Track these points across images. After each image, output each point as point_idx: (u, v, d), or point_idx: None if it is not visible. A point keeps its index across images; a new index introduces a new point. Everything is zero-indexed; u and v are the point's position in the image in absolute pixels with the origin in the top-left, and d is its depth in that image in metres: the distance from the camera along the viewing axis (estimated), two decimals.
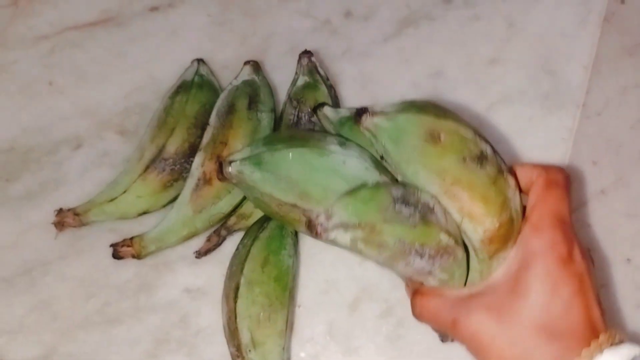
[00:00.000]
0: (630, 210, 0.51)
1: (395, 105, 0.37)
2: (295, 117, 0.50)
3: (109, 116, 0.56)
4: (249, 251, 0.48)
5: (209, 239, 0.51)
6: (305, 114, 0.51)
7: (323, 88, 0.51)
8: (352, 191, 0.36)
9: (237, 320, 0.46)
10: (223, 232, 0.51)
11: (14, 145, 0.55)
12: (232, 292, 0.47)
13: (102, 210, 0.50)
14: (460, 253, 0.38)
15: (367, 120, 0.36)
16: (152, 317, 0.50)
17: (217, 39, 0.58)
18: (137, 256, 0.49)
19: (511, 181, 0.38)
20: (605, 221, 0.51)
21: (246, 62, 0.53)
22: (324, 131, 0.42)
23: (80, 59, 0.58)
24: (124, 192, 0.50)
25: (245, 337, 0.46)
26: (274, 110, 0.52)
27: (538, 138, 0.54)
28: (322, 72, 0.52)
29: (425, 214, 0.36)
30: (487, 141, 0.38)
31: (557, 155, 0.53)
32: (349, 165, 0.38)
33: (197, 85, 0.52)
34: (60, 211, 0.51)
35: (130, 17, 0.59)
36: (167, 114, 0.51)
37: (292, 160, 0.38)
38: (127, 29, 0.59)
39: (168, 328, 0.50)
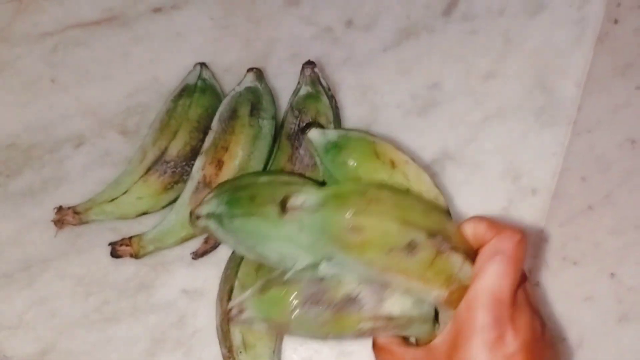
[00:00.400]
0: (616, 226, 0.53)
1: (319, 194, 0.37)
2: (296, 127, 0.52)
3: (110, 116, 0.56)
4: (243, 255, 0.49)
5: (206, 241, 0.52)
6: (305, 124, 0.52)
7: (325, 99, 0.52)
8: (263, 288, 0.38)
9: (230, 322, 0.47)
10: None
11: (15, 142, 0.55)
12: (225, 295, 0.48)
13: (102, 210, 0.51)
14: (406, 320, 0.39)
15: (291, 215, 0.37)
16: (150, 317, 0.51)
17: (219, 42, 0.59)
18: (135, 256, 0.50)
19: (455, 258, 0.37)
20: (592, 236, 0.53)
21: (249, 69, 0.54)
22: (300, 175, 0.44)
23: (84, 57, 0.58)
24: (125, 192, 0.51)
25: (236, 339, 0.47)
26: (275, 117, 0.53)
27: (530, 152, 0.55)
28: (324, 83, 0.53)
29: (342, 307, 0.38)
30: (438, 210, 0.39)
31: (547, 170, 0.55)
32: (305, 232, 0.38)
33: (200, 89, 0.53)
34: (60, 209, 0.51)
35: (134, 17, 0.59)
36: (169, 117, 0.52)
37: (247, 230, 0.40)
38: (131, 29, 0.59)
39: (165, 328, 0.51)
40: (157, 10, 0.60)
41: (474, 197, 0.54)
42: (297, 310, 0.38)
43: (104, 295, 0.51)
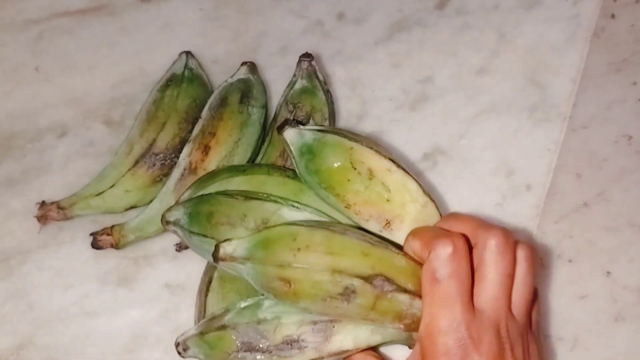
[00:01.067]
0: (611, 224, 0.51)
1: (249, 242, 0.37)
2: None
3: (95, 106, 0.55)
4: None
5: None
6: (300, 119, 0.50)
7: (321, 95, 0.51)
8: (203, 332, 0.39)
9: (206, 314, 0.46)
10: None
11: None
12: (204, 286, 0.46)
13: (88, 204, 0.50)
14: (366, 348, 0.38)
15: (223, 264, 0.37)
16: (131, 312, 0.49)
17: (208, 34, 0.58)
18: (116, 245, 0.49)
19: (402, 297, 0.36)
20: (587, 234, 0.51)
21: (243, 63, 0.53)
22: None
23: (69, 46, 0.57)
24: (112, 186, 0.49)
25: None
26: (265, 107, 0.52)
27: (524, 149, 0.54)
28: (320, 77, 0.52)
29: (282, 350, 0.37)
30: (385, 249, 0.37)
31: (541, 166, 0.53)
32: (242, 278, 0.39)
33: (188, 79, 0.52)
34: (43, 204, 0.50)
35: (122, 7, 0.58)
36: (157, 108, 0.51)
37: (203, 248, 0.42)
38: (118, 18, 0.58)
39: (147, 323, 0.49)
40: (146, 0, 0.59)
41: (466, 192, 0.53)
42: (232, 356, 0.38)
43: (84, 289, 0.50)
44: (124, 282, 0.50)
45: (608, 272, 0.50)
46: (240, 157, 0.49)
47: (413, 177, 0.40)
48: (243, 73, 0.52)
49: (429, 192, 0.41)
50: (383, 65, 0.58)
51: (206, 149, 0.48)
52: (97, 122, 0.55)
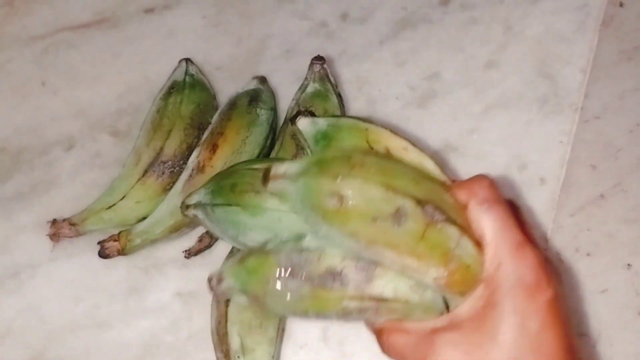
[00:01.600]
0: (630, 215, 0.50)
1: (302, 162, 0.35)
2: None
3: (101, 117, 0.55)
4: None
5: (200, 239, 0.50)
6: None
7: (333, 98, 0.51)
8: (243, 258, 0.37)
9: (228, 324, 0.45)
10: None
11: (5, 146, 0.54)
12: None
13: (100, 218, 0.49)
14: (402, 305, 0.36)
15: (273, 184, 0.35)
16: (142, 322, 0.49)
17: (212, 40, 0.58)
18: (123, 250, 0.48)
19: (451, 230, 0.34)
20: (605, 226, 0.50)
21: (254, 77, 0.53)
22: None
23: (74, 59, 0.57)
24: (123, 198, 0.49)
25: (234, 342, 0.45)
26: (274, 109, 0.52)
27: (535, 142, 0.53)
28: (332, 80, 0.51)
29: (323, 282, 0.35)
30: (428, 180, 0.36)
31: (554, 159, 0.52)
32: (284, 221, 0.37)
33: (190, 85, 0.52)
34: (54, 222, 0.50)
35: (125, 18, 0.59)
36: (161, 116, 0.50)
37: (228, 219, 0.40)
38: (122, 30, 0.58)
39: (158, 333, 0.49)
40: (149, 10, 0.59)
41: None
42: (274, 282, 0.35)
43: (95, 300, 0.49)
44: (134, 291, 0.50)
45: (629, 265, 0.49)
46: (248, 155, 0.48)
47: (430, 157, 0.38)
48: (253, 85, 0.53)
49: (449, 173, 0.39)
50: (389, 63, 0.57)
51: (214, 148, 0.48)
52: (104, 133, 0.54)
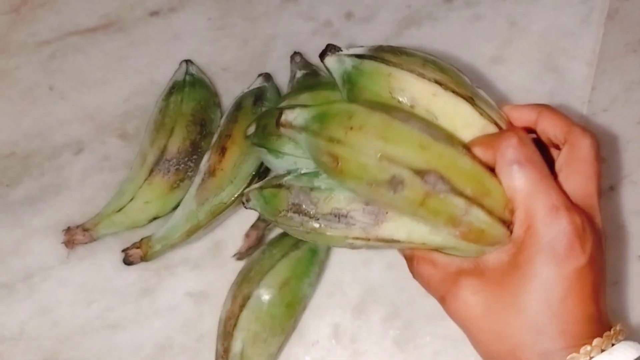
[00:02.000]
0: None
1: (308, 113, 0.36)
2: None
3: (109, 120, 0.55)
4: (274, 265, 0.46)
5: (247, 235, 0.49)
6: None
7: (323, 73, 0.51)
8: (263, 186, 0.40)
9: (236, 327, 0.45)
10: (261, 225, 0.48)
11: (15, 151, 0.54)
12: (241, 298, 0.46)
13: (112, 222, 0.50)
14: (415, 245, 0.36)
15: (283, 130, 0.37)
16: (154, 322, 0.49)
17: (217, 42, 0.58)
18: (145, 256, 0.48)
19: (456, 200, 0.33)
20: (616, 218, 0.50)
21: (259, 75, 0.53)
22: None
23: (81, 63, 0.57)
24: (131, 199, 0.49)
25: (236, 347, 0.45)
26: None
27: None
28: (315, 67, 0.52)
29: (329, 222, 0.36)
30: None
31: None
32: (299, 165, 0.39)
33: (190, 83, 0.52)
34: (68, 229, 0.50)
35: (131, 22, 0.59)
36: (163, 116, 0.51)
37: (263, 158, 0.44)
38: (128, 33, 0.58)
39: (170, 333, 0.49)
40: (154, 13, 0.59)
41: None
42: (284, 214, 0.38)
43: (107, 302, 0.50)
44: (146, 293, 0.50)
45: None
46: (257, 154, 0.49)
47: (467, 100, 0.35)
48: (258, 83, 0.53)
49: (496, 116, 0.36)
50: None
51: (223, 150, 0.48)
52: (112, 136, 0.55)
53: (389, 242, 0.36)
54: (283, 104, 0.44)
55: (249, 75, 0.55)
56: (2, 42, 0.58)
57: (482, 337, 0.34)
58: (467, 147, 0.35)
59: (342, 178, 0.35)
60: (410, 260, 0.38)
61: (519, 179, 0.33)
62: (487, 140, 0.35)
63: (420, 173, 0.33)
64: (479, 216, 0.34)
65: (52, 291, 0.50)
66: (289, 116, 0.36)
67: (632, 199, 0.50)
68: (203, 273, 0.50)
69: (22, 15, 0.59)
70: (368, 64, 0.37)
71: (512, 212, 0.34)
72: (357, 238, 0.36)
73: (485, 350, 0.35)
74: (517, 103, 0.40)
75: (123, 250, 0.49)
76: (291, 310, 0.46)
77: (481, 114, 0.35)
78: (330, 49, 0.38)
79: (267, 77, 0.53)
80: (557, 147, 0.37)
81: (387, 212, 0.35)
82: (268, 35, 0.58)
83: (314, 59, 0.54)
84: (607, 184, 0.51)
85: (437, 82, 0.35)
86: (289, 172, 0.39)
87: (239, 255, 0.49)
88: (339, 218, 0.36)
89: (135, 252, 0.49)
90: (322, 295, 0.49)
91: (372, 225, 0.36)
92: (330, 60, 0.38)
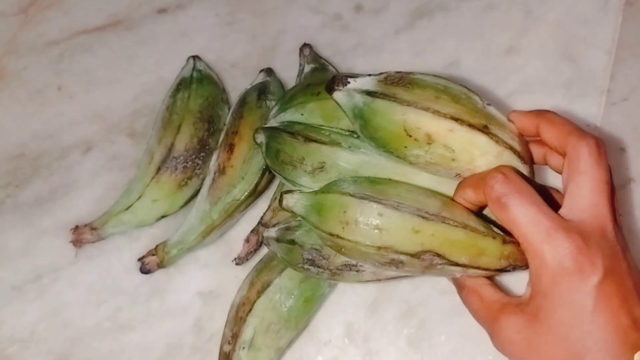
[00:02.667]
0: None
1: (307, 200, 0.39)
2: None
3: (118, 119, 0.55)
4: None
5: (247, 240, 0.49)
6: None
7: (332, 69, 0.51)
8: (280, 237, 0.43)
9: (250, 314, 0.44)
10: (261, 229, 0.48)
11: (24, 151, 0.54)
12: (260, 285, 0.45)
13: (120, 221, 0.49)
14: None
15: (286, 202, 0.39)
16: (165, 323, 0.48)
17: (226, 38, 0.57)
18: (162, 263, 0.48)
19: (453, 268, 0.37)
20: (637, 211, 0.48)
21: (261, 70, 0.53)
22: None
23: (90, 63, 0.57)
24: (139, 197, 0.49)
25: (247, 333, 0.44)
26: None
27: None
28: (324, 60, 0.51)
29: (340, 272, 0.40)
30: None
31: None
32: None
33: (197, 80, 0.52)
34: (76, 228, 0.49)
35: (138, 20, 0.58)
36: (170, 113, 0.50)
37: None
38: (136, 32, 0.58)
39: (181, 333, 0.48)
40: (162, 11, 0.59)
41: None
42: (300, 266, 0.41)
43: (117, 303, 0.49)
44: (156, 293, 0.49)
45: None
46: None
47: (482, 132, 0.36)
48: (260, 78, 0.53)
49: (508, 137, 0.37)
50: (406, 53, 0.56)
51: (231, 147, 0.48)
52: (121, 135, 0.54)
53: (399, 278, 0.40)
54: (291, 110, 0.44)
55: (258, 70, 0.54)
56: (11, 43, 0.58)
57: None
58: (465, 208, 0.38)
59: (349, 257, 0.38)
60: (460, 288, 0.39)
61: (508, 213, 0.34)
62: (475, 180, 0.36)
63: (417, 255, 0.36)
64: (476, 273, 0.37)
65: (62, 292, 0.50)
66: (289, 202, 0.39)
67: None
68: (213, 272, 0.49)
69: (31, 16, 0.59)
70: (381, 104, 0.37)
71: (507, 258, 0.37)
72: (369, 281, 0.40)
73: None
74: (521, 109, 0.40)
75: (139, 259, 0.48)
76: (308, 306, 0.45)
77: (497, 142, 0.36)
78: (337, 82, 0.37)
79: (269, 71, 0.53)
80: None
81: None
82: (277, 30, 0.57)
83: (324, 53, 0.53)
84: (628, 176, 0.49)
85: (452, 117, 0.36)
86: (299, 225, 0.41)
87: (238, 260, 0.48)
88: (350, 268, 0.40)
89: (152, 260, 0.48)
90: (334, 293, 0.48)
91: (381, 270, 0.39)
92: (339, 95, 0.38)
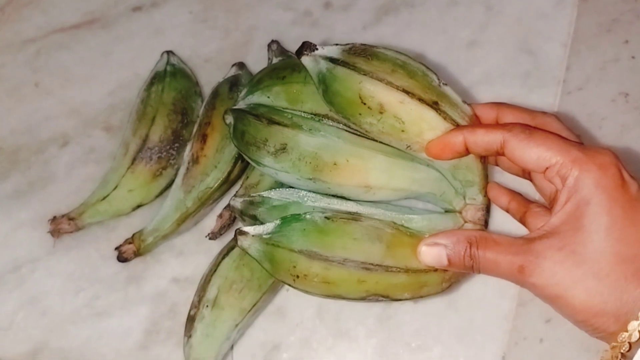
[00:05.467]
0: None
1: (260, 248, 0.40)
2: None
3: (94, 114, 0.56)
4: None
5: (220, 216, 0.50)
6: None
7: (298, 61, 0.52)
8: (244, 212, 0.44)
9: (214, 274, 0.47)
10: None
11: (2, 146, 0.55)
12: (225, 249, 0.48)
13: (96, 211, 0.51)
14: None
15: (241, 243, 0.41)
16: (141, 309, 0.50)
17: (199, 35, 0.59)
18: (138, 251, 0.49)
19: (397, 301, 0.40)
20: None
21: (233, 65, 0.55)
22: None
23: (66, 60, 0.58)
24: (115, 188, 0.50)
25: (211, 292, 0.46)
26: None
27: None
28: (292, 54, 0.53)
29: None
30: None
31: None
32: (279, 176, 0.43)
33: (170, 73, 0.54)
34: (54, 219, 0.51)
35: (114, 17, 0.60)
36: (145, 106, 0.52)
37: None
38: (112, 29, 0.60)
39: (157, 319, 0.50)
40: (137, 9, 0.60)
41: None
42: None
43: (94, 290, 0.50)
44: (133, 280, 0.51)
45: None
46: None
47: (431, 107, 0.38)
48: (233, 72, 0.55)
49: (458, 116, 0.38)
50: None
51: (204, 138, 0.49)
52: (97, 129, 0.56)
53: None
54: (258, 92, 0.45)
55: (231, 65, 0.56)
56: None
57: (579, 289, 0.32)
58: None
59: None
60: (469, 248, 0.35)
61: (536, 138, 0.34)
62: (489, 126, 0.37)
63: (362, 298, 0.39)
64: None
65: (40, 281, 0.51)
66: (243, 243, 0.40)
67: None
68: (188, 259, 0.51)
69: (7, 15, 0.60)
70: (341, 71, 0.39)
71: (449, 280, 0.40)
72: None
73: (586, 299, 0.32)
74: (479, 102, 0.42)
75: (116, 248, 0.50)
76: None
77: (445, 119, 0.38)
78: (306, 48, 0.40)
79: (241, 65, 0.55)
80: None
81: None
82: (249, 26, 0.59)
83: (294, 48, 0.55)
84: None
85: (404, 90, 0.38)
86: (262, 202, 0.44)
87: (212, 235, 0.50)
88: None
89: (129, 248, 0.50)
90: None
91: None
92: (307, 60, 0.40)
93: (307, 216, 0.40)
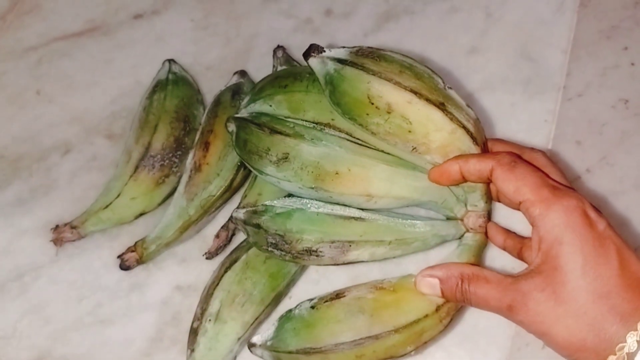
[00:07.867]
0: (617, 187, 0.51)
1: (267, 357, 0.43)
2: None
3: (96, 121, 0.56)
4: None
5: (217, 236, 0.50)
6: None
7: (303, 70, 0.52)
8: (247, 220, 0.44)
9: (217, 288, 0.47)
10: (231, 226, 0.50)
11: (4, 154, 0.55)
12: (228, 262, 0.48)
13: (99, 219, 0.51)
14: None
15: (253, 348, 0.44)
16: (145, 316, 0.50)
17: (201, 42, 0.59)
18: (141, 259, 0.49)
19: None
20: (593, 200, 0.50)
21: (235, 73, 0.55)
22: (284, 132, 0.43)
23: (68, 67, 0.59)
24: (118, 196, 0.51)
25: (213, 306, 0.46)
26: None
27: (521, 122, 0.54)
28: (297, 63, 0.53)
29: (300, 257, 0.43)
30: None
31: (540, 137, 0.53)
32: (282, 185, 0.44)
33: (172, 81, 0.54)
34: (56, 227, 0.51)
35: (115, 25, 0.60)
36: (147, 113, 0.52)
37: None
38: (113, 37, 0.60)
39: (161, 326, 0.49)
40: (138, 16, 0.61)
41: None
42: (264, 248, 0.44)
43: (97, 298, 0.50)
44: (135, 288, 0.51)
45: None
46: None
47: (440, 106, 0.38)
48: (235, 79, 0.55)
49: (464, 118, 0.39)
50: None
51: (206, 145, 0.49)
52: (99, 137, 0.56)
53: (356, 262, 0.43)
54: (260, 101, 0.45)
55: (233, 73, 0.56)
56: None
57: (561, 325, 0.34)
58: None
59: None
60: (460, 283, 0.38)
61: (518, 170, 0.36)
62: (481, 155, 0.39)
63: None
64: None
65: (43, 289, 0.51)
66: (257, 353, 0.43)
67: (609, 180, 0.51)
68: (191, 267, 0.51)
69: (9, 23, 0.60)
70: (349, 71, 0.39)
71: (447, 315, 0.40)
72: (328, 264, 0.43)
73: (567, 336, 0.34)
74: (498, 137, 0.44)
75: (119, 256, 0.50)
76: (274, 282, 0.47)
77: (451, 120, 0.39)
78: (313, 49, 0.40)
79: (243, 73, 0.55)
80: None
81: (350, 245, 0.42)
82: (250, 34, 0.59)
83: (296, 55, 0.56)
84: (584, 167, 0.52)
85: (412, 90, 0.38)
86: (265, 211, 0.43)
87: (209, 255, 0.50)
88: (310, 253, 0.42)
89: (131, 256, 0.50)
90: (307, 281, 0.50)
91: (338, 255, 0.42)
92: (314, 62, 0.41)
93: (296, 311, 0.42)
